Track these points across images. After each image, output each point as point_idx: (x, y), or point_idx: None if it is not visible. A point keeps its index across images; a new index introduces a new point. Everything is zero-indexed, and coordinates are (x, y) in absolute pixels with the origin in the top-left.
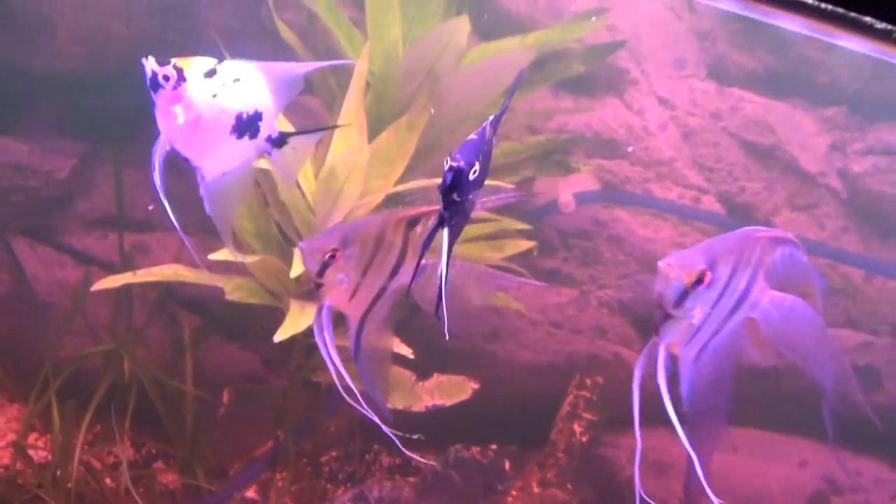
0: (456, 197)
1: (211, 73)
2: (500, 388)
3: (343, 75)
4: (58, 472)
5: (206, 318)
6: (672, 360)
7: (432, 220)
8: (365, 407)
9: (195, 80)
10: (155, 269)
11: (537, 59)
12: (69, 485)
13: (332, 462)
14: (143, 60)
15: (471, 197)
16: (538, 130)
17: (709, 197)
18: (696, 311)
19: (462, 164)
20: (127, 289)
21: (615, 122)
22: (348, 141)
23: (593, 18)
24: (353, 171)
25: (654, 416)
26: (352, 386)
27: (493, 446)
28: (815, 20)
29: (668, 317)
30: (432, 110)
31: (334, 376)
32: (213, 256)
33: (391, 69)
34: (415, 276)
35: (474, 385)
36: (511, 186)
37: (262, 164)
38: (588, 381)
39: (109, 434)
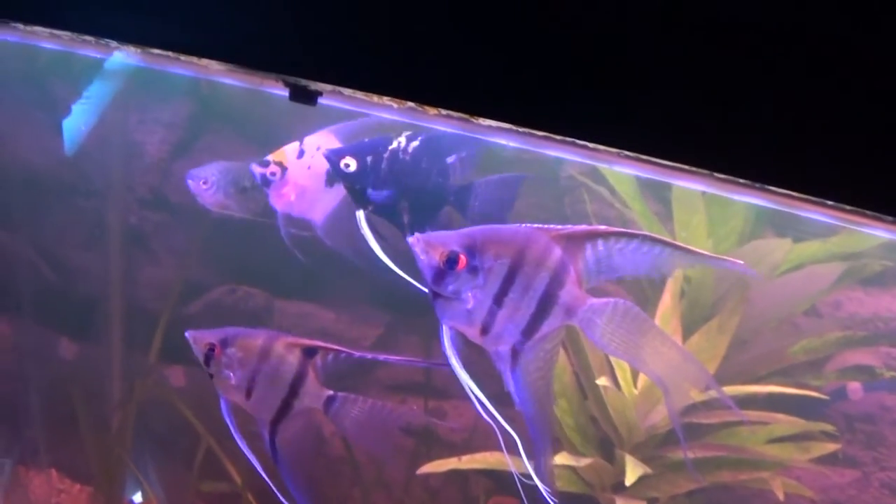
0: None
1: (301, 154)
2: None
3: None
4: None
5: (494, 478)
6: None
7: None
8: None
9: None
10: (478, 456)
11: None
12: None
13: None
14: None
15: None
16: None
17: None
18: (468, 296)
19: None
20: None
21: None
22: None
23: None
24: None
25: None
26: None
27: None
28: None
29: (436, 295)
30: None
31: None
32: None
33: (707, 276)
34: None
35: None
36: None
37: (603, 380)
38: None
39: None
